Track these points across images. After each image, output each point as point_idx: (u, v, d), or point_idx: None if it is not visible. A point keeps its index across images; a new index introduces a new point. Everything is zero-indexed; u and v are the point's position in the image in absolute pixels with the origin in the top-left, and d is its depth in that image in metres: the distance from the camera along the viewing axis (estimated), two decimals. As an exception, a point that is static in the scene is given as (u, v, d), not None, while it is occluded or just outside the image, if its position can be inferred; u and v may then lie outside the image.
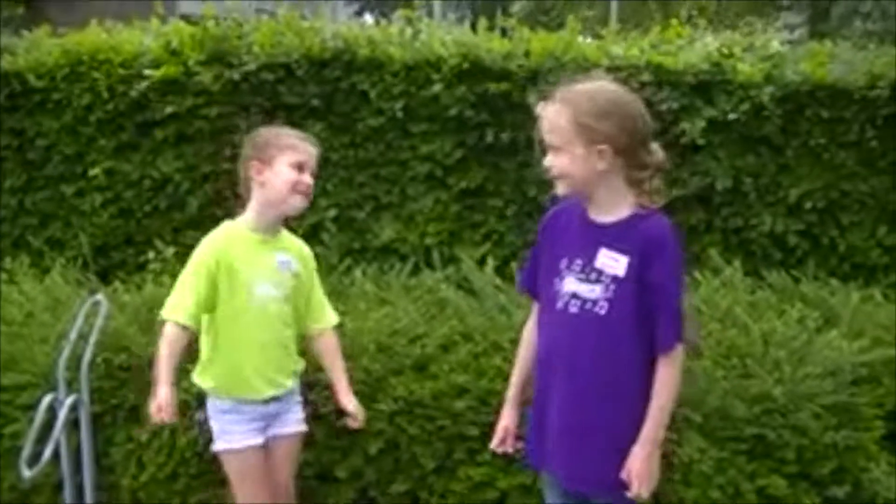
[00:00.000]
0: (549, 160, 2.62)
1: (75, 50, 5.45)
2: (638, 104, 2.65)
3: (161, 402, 2.94)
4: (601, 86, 2.64)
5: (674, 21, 5.72)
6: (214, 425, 3.24)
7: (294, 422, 3.34)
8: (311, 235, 5.16)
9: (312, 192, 3.24)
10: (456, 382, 3.80)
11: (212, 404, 3.26)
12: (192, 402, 3.64)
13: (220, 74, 5.20)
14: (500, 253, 5.17)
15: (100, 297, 3.99)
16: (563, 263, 2.66)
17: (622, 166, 2.59)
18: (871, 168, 5.25)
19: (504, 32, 5.64)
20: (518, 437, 2.89)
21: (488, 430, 3.70)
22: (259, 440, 3.22)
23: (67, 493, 3.94)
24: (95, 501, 3.94)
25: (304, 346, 3.45)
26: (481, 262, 4.90)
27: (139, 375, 3.95)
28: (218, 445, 3.24)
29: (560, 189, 2.65)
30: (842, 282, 4.93)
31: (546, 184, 2.72)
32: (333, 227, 5.24)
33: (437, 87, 5.13)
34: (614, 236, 2.59)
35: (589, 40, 5.92)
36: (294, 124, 5.16)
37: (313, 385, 3.66)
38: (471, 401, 3.78)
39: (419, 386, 3.81)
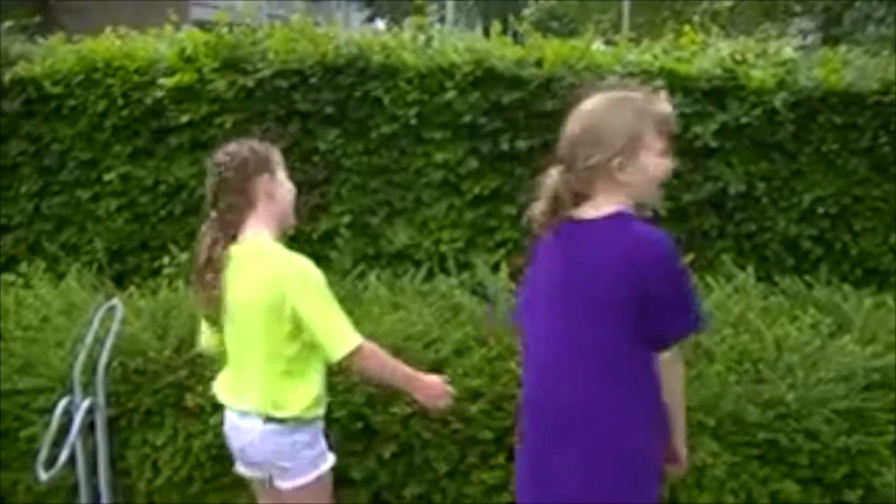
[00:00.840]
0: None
1: (90, 57, 5.48)
2: None
3: (437, 381, 3.08)
4: None
5: (687, 28, 5.73)
6: (317, 448, 3.07)
7: None
8: (325, 241, 5.20)
9: None
10: (470, 386, 3.82)
11: (315, 429, 3.08)
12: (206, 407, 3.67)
13: (234, 81, 5.21)
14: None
15: (115, 301, 4.02)
16: None
17: None
18: (883, 174, 5.22)
19: (516, 37, 5.64)
20: None
21: (502, 434, 3.74)
22: None
23: (83, 496, 3.97)
24: (111, 504, 3.97)
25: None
26: (495, 268, 4.91)
27: (154, 379, 3.99)
28: (326, 464, 3.09)
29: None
30: (854, 287, 4.91)
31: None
32: (348, 233, 5.25)
33: (450, 94, 5.13)
34: None
35: (602, 47, 5.93)
36: (308, 131, 5.24)
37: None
38: (484, 405, 3.80)
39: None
